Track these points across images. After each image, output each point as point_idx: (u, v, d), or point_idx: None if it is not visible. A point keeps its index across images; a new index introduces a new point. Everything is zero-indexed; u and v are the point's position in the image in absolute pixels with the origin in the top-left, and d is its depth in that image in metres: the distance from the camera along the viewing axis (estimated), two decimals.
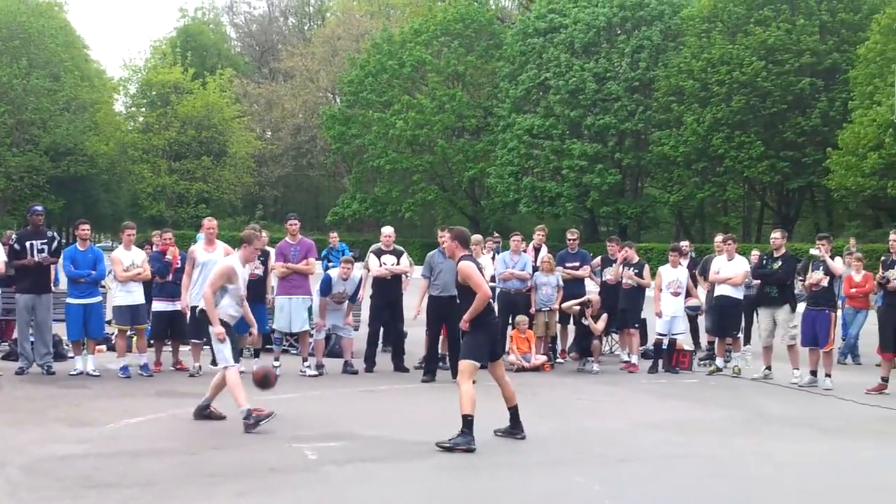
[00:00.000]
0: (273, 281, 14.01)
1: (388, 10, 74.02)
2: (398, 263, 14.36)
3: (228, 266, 9.97)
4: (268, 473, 8.01)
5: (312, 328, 14.11)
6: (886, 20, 34.44)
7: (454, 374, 13.55)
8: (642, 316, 15.69)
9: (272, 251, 14.10)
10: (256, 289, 13.23)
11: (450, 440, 8.93)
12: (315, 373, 13.62)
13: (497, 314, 9.73)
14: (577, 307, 15.07)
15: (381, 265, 14.24)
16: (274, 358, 13.50)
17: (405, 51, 54.13)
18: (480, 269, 9.53)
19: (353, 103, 56.92)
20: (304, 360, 13.78)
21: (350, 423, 10.15)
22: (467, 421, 8.98)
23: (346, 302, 14.25)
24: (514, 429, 9.55)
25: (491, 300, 9.64)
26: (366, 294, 15.04)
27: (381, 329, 14.73)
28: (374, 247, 14.76)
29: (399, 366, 14.27)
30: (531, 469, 8.49)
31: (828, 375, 13.50)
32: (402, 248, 14.88)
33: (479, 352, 9.38)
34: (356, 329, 15.06)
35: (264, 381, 9.97)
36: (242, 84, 69.14)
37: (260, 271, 13.65)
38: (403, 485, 7.92)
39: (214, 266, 10.44)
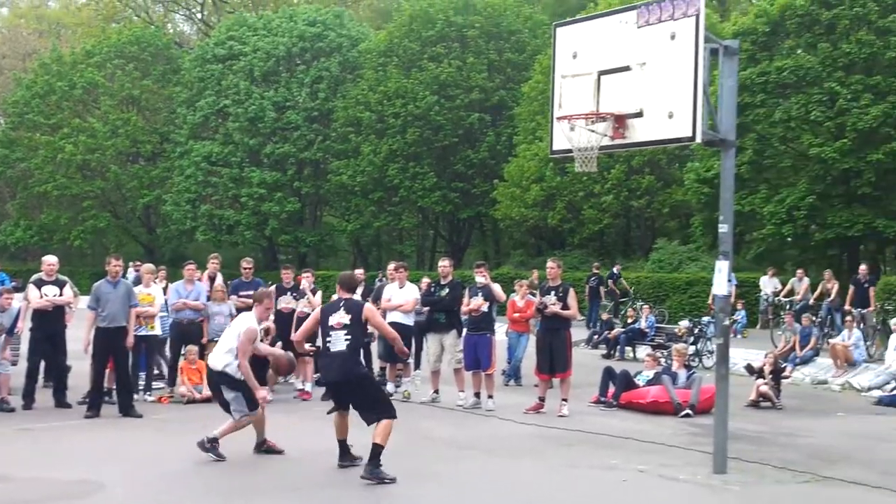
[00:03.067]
0: None
1: (59, 29, 70.51)
2: (61, 294, 13.70)
3: (252, 329, 10.06)
4: None
5: None
6: (547, 61, 36.77)
7: (121, 409, 13.10)
8: (316, 344, 15.81)
9: None
10: None
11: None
12: None
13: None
14: None
15: (41, 296, 13.52)
16: None
17: (76, 72, 51.64)
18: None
19: (18, 125, 53.52)
20: None
21: (5, 465, 9.55)
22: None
23: (3, 335, 13.44)
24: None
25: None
26: (25, 326, 14.22)
27: (42, 363, 13.98)
28: (34, 277, 14.01)
29: (61, 401, 13.59)
30: (198, 501, 8.33)
31: (490, 397, 14.17)
32: (65, 278, 14.23)
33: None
34: (14, 364, 14.20)
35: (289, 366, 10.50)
36: None
37: None
38: None
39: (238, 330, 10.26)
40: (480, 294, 14.30)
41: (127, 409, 13.06)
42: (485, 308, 14.28)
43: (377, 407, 9.50)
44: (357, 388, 9.65)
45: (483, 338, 14.20)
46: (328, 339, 9.54)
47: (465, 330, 14.53)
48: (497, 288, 14.80)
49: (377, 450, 9.22)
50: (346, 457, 9.85)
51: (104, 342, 13.10)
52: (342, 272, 10.61)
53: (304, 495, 8.79)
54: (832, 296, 22.91)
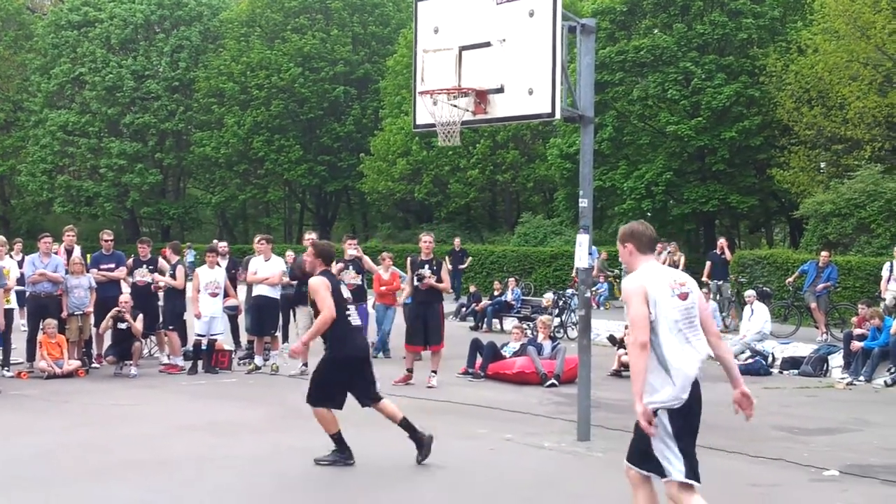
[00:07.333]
0: None
1: None
2: None
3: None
4: None
5: None
6: (411, 35, 36.72)
7: None
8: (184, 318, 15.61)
9: None
10: None
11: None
12: None
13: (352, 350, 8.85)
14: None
15: None
16: None
17: None
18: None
19: None
20: None
21: None
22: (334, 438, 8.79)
23: None
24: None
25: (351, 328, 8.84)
26: None
27: None
28: None
29: None
30: (59, 481, 8.13)
31: None
32: None
33: (320, 393, 8.78)
34: None
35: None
36: None
37: None
38: None
39: None
40: (352, 267, 14.30)
41: None
42: (357, 281, 14.30)
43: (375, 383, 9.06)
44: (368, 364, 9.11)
45: (357, 309, 14.21)
46: (347, 312, 8.87)
47: None
48: (368, 260, 14.86)
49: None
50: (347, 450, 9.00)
51: None
52: (321, 243, 9.52)
53: (167, 470, 8.67)
54: (680, 267, 23.65)
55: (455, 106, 10.40)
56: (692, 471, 5.75)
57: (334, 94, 41.70)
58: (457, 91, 10.35)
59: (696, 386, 5.84)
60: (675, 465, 5.73)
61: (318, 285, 8.71)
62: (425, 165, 36.26)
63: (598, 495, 8.19)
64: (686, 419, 5.78)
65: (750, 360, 16.99)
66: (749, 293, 19.19)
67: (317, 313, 8.76)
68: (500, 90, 10.19)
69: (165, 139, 46.89)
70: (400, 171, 36.53)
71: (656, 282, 5.86)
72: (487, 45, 10.28)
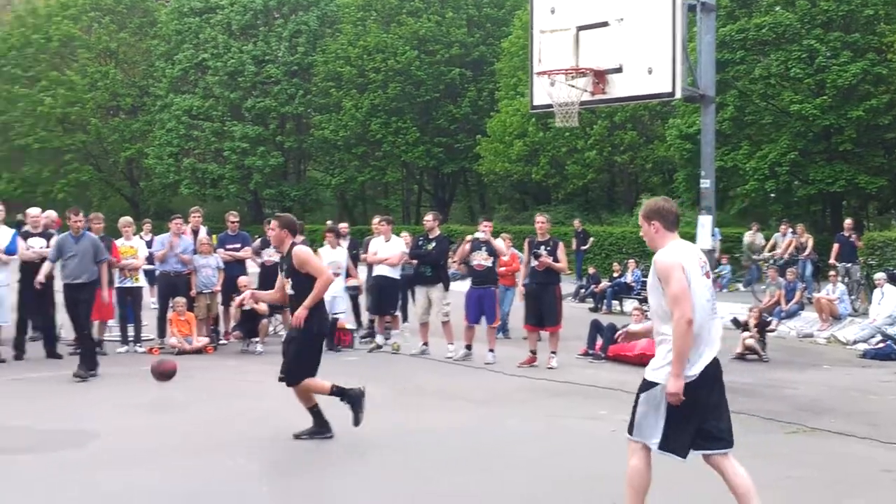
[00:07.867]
0: None
1: None
2: (48, 246, 13.62)
3: None
4: None
5: None
6: (526, 16, 36.52)
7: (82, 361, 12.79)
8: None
9: None
10: None
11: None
12: None
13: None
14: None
15: (28, 248, 13.45)
16: None
17: (51, 25, 51.02)
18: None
19: None
20: None
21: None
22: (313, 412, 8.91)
23: None
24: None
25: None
26: (14, 279, 14.14)
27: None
28: (23, 229, 13.99)
29: (52, 352, 13.56)
30: (187, 453, 8.36)
31: (491, 350, 14.19)
32: (53, 231, 14.17)
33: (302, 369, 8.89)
34: None
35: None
36: None
37: None
38: (49, 477, 7.53)
39: None
40: (484, 249, 14.31)
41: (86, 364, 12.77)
42: (489, 263, 14.32)
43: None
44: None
45: (488, 292, 14.29)
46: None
47: (469, 284, 14.59)
48: (499, 244, 14.87)
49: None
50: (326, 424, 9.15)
51: (68, 297, 12.61)
52: (284, 215, 9.36)
53: (291, 445, 8.83)
54: (808, 250, 23.05)
55: (573, 86, 10.35)
56: (677, 448, 5.85)
57: (450, 77, 41.77)
58: (574, 71, 10.30)
59: (714, 366, 5.91)
60: (652, 433, 5.85)
61: (307, 254, 8.83)
62: (542, 146, 36.09)
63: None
64: (692, 396, 5.75)
65: (881, 345, 16.49)
66: (879, 276, 18.59)
67: (295, 284, 8.76)
68: (619, 70, 10.09)
69: (286, 122, 47.75)
70: (517, 152, 36.43)
71: (689, 259, 5.90)
72: (605, 24, 10.19)
